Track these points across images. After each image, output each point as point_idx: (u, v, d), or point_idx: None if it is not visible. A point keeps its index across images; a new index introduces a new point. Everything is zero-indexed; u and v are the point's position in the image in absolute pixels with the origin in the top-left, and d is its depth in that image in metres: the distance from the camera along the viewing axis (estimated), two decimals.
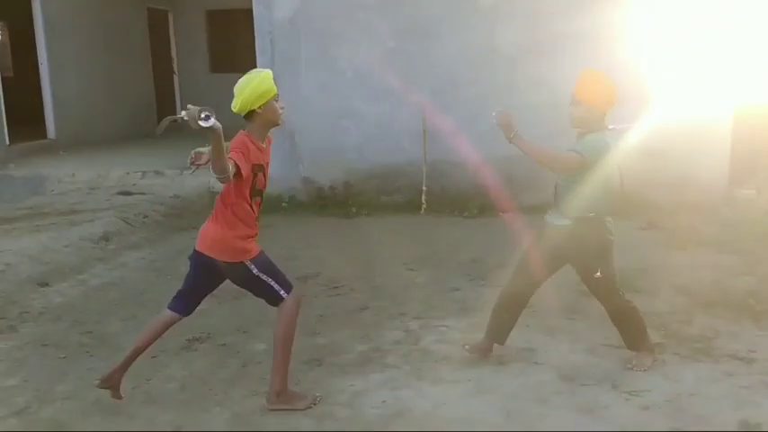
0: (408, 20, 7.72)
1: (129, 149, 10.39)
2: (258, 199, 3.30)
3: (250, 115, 3.19)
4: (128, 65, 11.57)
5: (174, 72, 13.23)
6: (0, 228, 6.89)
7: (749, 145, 7.64)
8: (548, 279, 3.75)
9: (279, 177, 8.05)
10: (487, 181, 7.29)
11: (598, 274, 3.57)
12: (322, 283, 5.36)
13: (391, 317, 4.62)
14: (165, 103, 12.90)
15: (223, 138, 2.84)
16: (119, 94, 11.34)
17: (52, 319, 4.78)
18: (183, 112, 2.80)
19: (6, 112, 9.51)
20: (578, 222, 3.53)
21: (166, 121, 3.09)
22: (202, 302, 4.94)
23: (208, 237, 3.28)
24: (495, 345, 3.87)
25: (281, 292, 3.34)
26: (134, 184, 8.31)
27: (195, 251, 3.32)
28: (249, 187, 3.21)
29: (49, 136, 10.13)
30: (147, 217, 7.30)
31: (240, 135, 3.20)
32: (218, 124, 2.77)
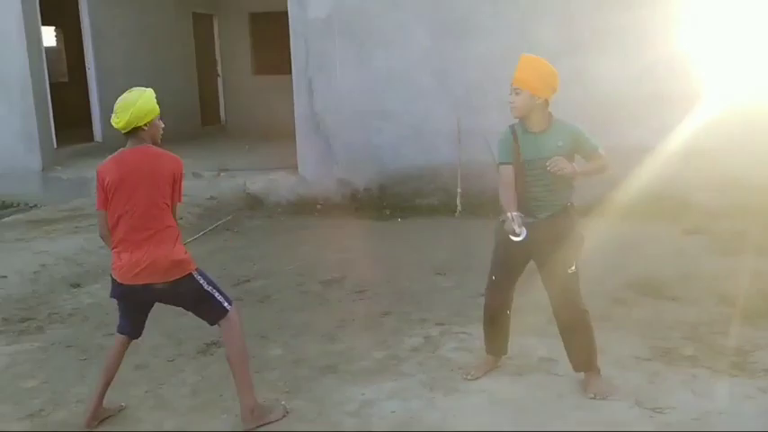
0: (444, 19, 7.58)
1: (173, 151, 10.52)
2: None
3: (135, 132, 3.18)
4: (172, 68, 11.75)
5: (217, 74, 13.40)
6: (41, 229, 7.06)
7: None
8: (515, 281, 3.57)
9: (314, 179, 8.09)
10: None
11: (573, 268, 3.33)
12: (347, 288, 5.28)
13: (413, 323, 4.50)
14: (209, 105, 13.08)
15: None
16: (164, 97, 11.50)
17: (79, 321, 4.84)
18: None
19: (59, 116, 9.76)
20: (561, 211, 3.35)
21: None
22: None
23: (149, 262, 3.09)
24: (508, 356, 3.71)
25: (225, 305, 3.23)
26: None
27: (122, 286, 3.17)
28: None
29: (95, 139, 10.36)
30: (181, 218, 7.34)
31: (163, 151, 3.24)
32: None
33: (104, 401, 3.35)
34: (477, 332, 4.24)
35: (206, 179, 8.53)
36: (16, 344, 4.45)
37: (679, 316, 4.41)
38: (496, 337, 3.68)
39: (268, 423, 3.27)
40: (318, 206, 7.94)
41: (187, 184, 8.36)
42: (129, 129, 3.17)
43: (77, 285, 5.53)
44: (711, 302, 4.62)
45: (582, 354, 3.44)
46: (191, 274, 3.15)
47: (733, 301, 4.58)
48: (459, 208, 7.47)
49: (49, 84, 9.47)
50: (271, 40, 12.26)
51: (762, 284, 4.88)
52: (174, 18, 12.08)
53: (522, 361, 3.80)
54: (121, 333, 3.37)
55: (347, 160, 7.97)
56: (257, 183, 8.32)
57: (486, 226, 7.13)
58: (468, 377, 3.62)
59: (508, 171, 3.31)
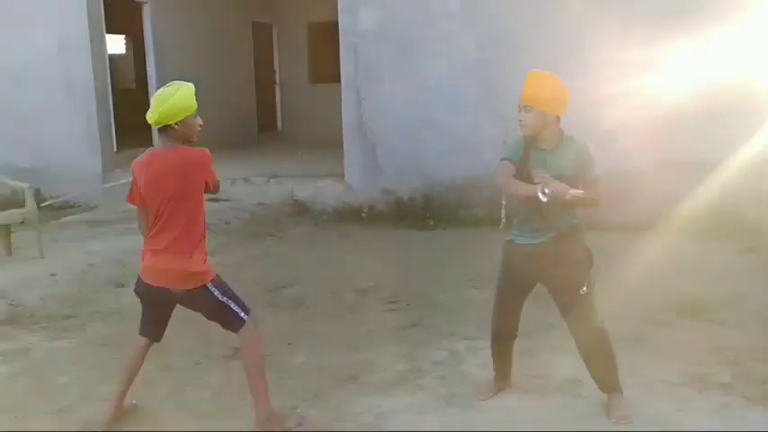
0: (492, 29, 7.51)
1: (228, 157, 10.74)
2: None
3: (165, 129, 3.10)
4: (232, 76, 12.03)
5: (275, 83, 13.64)
6: (95, 230, 7.34)
7: None
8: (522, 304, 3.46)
9: (359, 187, 8.12)
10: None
11: (584, 288, 3.18)
12: (380, 297, 5.27)
13: (440, 336, 4.45)
14: (266, 113, 13.33)
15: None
16: (222, 103, 11.81)
17: (118, 321, 4.98)
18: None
19: (124, 121, 10.12)
20: (568, 231, 3.20)
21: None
22: (258, 311, 5.02)
23: (165, 268, 3.16)
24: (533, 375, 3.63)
25: (242, 315, 3.22)
26: (223, 191, 8.58)
27: (144, 284, 3.25)
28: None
29: (155, 143, 10.70)
30: (228, 223, 7.52)
31: (191, 149, 3.17)
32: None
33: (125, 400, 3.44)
34: None
35: (256, 185, 8.69)
36: (57, 340, 4.62)
37: (719, 340, 4.20)
38: (501, 359, 3.60)
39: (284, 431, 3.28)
40: (363, 214, 7.97)
41: (236, 190, 8.73)
42: (161, 125, 3.10)
43: (121, 285, 5.69)
44: (756, 328, 4.40)
45: (601, 374, 3.33)
46: (205, 286, 3.17)
47: None
48: (503, 220, 7.33)
49: (117, 90, 9.84)
50: (327, 49, 12.41)
51: None
52: (235, 27, 12.38)
53: (545, 380, 3.71)
54: (142, 335, 3.44)
55: (393, 169, 7.97)
56: (305, 190, 8.41)
57: None
58: (480, 397, 3.56)
59: (508, 165, 3.16)
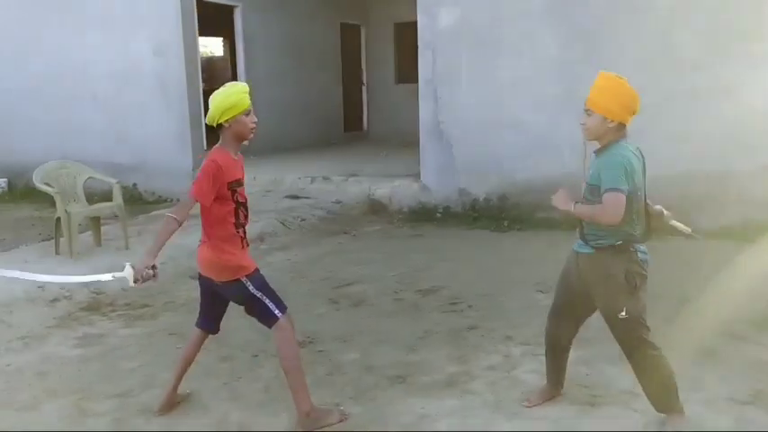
0: (574, 26, 7.28)
1: (312, 156, 11.01)
2: (244, 211, 3.28)
3: (219, 128, 3.17)
4: (320, 77, 12.29)
5: (362, 83, 13.80)
6: None
7: None
8: (585, 318, 3.31)
9: (435, 188, 8.09)
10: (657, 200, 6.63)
11: (623, 314, 2.99)
12: (442, 298, 5.22)
13: (497, 340, 4.36)
14: (353, 113, 13.51)
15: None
16: (310, 103, 12.09)
17: (188, 311, 5.17)
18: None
19: None
20: (603, 251, 3.02)
21: None
22: (320, 307, 5.09)
23: (204, 260, 3.28)
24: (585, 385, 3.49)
25: (276, 312, 3.26)
26: (302, 189, 8.79)
27: (199, 274, 3.37)
28: (232, 205, 3.21)
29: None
30: (304, 220, 7.68)
31: (212, 153, 3.19)
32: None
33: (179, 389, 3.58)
34: None
35: (334, 183, 8.82)
36: (130, 327, 4.88)
37: (755, 355, 3.90)
38: (553, 368, 3.48)
39: (323, 427, 3.31)
40: (438, 214, 7.94)
41: (315, 188, 8.91)
42: (214, 124, 3.17)
43: (195, 278, 5.90)
44: None
45: (654, 395, 3.15)
46: (239, 279, 3.25)
47: None
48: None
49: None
50: (412, 49, 12.43)
51: None
52: (324, 28, 12.63)
53: (599, 391, 3.56)
54: (198, 327, 3.57)
55: (469, 169, 7.89)
56: (382, 188, 8.46)
57: None
58: (526, 404, 3.45)
59: (623, 200, 2.90)
